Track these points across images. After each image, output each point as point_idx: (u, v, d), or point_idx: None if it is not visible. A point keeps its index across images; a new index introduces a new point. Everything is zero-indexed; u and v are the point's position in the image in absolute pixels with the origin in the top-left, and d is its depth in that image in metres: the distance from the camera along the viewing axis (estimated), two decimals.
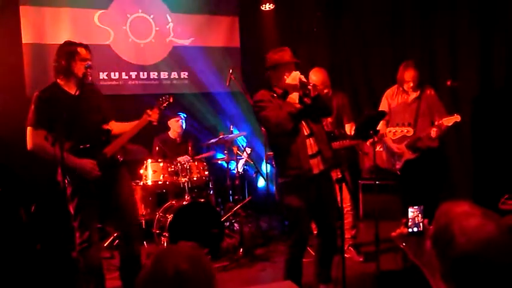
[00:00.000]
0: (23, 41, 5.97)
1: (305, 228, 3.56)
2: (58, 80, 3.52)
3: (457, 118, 4.21)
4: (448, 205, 1.35)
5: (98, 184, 3.46)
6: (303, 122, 3.45)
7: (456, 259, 1.25)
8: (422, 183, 4.42)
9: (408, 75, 4.50)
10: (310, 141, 3.47)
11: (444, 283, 1.29)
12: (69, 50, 3.50)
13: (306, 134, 3.45)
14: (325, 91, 4.52)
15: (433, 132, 4.28)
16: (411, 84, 4.51)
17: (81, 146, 3.44)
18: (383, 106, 4.73)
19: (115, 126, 3.75)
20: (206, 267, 1.35)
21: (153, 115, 3.70)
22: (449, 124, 4.23)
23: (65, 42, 3.62)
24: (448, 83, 5.10)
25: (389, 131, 4.18)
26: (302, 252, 3.57)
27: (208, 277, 1.33)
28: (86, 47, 3.56)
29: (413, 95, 4.58)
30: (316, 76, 4.56)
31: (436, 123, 4.31)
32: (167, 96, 3.86)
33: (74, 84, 3.50)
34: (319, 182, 3.49)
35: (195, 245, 1.40)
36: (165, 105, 3.85)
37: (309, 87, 3.28)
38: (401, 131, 4.11)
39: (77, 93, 3.47)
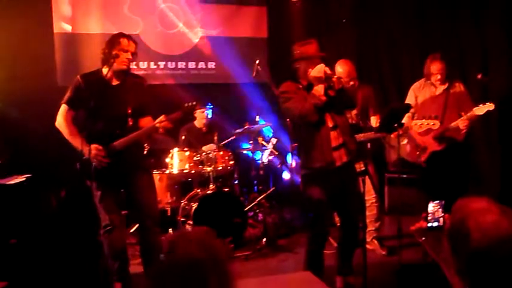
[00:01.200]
0: (55, 31, 6.10)
1: (326, 221, 3.57)
2: (103, 68, 3.61)
3: (490, 106, 4.10)
4: (465, 200, 1.35)
5: (111, 174, 3.52)
6: (327, 114, 3.44)
7: (471, 255, 1.24)
8: (447, 177, 4.35)
9: (435, 67, 4.43)
10: (334, 134, 3.46)
11: (459, 279, 1.30)
12: (112, 40, 3.59)
13: (330, 126, 3.45)
14: (351, 83, 4.48)
15: (462, 122, 4.20)
16: (438, 77, 4.43)
17: (96, 135, 3.52)
18: (410, 99, 4.67)
19: (146, 122, 3.76)
20: (218, 251, 1.35)
21: (163, 123, 3.61)
22: (481, 113, 4.13)
23: (116, 33, 3.67)
24: (479, 76, 4.99)
25: (415, 124, 4.14)
26: (323, 244, 3.58)
27: (221, 261, 1.34)
28: (129, 38, 3.63)
29: (441, 88, 4.51)
30: (342, 68, 4.53)
31: (466, 113, 4.22)
32: (194, 103, 3.84)
33: (115, 73, 3.59)
34: (342, 174, 3.49)
35: (208, 230, 1.41)
36: (188, 110, 3.84)
37: (334, 79, 3.27)
38: (427, 124, 4.06)
39: (115, 83, 3.60)
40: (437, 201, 1.67)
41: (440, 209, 1.66)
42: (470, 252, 1.25)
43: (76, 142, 3.46)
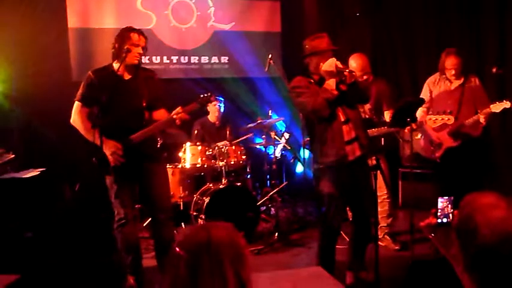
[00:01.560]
0: (69, 26, 6.15)
1: (338, 216, 3.54)
2: (114, 63, 3.62)
3: (506, 104, 4.04)
4: (473, 196, 1.33)
5: (127, 167, 3.54)
6: (339, 108, 3.42)
7: (479, 251, 1.23)
8: (462, 173, 4.30)
9: (449, 62, 4.37)
10: (346, 128, 3.44)
11: (467, 274, 1.28)
12: (122, 35, 3.60)
13: (342, 120, 3.43)
14: (365, 77, 4.45)
15: (482, 118, 4.14)
16: (453, 72, 4.38)
17: (112, 129, 3.52)
18: (424, 93, 4.62)
19: (160, 115, 3.78)
20: (237, 236, 1.37)
21: (180, 115, 3.62)
22: (498, 111, 4.07)
23: (125, 27, 3.67)
24: (494, 69, 4.91)
25: (430, 119, 4.09)
26: (334, 239, 3.56)
27: (240, 248, 1.35)
28: (140, 32, 3.62)
29: (456, 82, 4.45)
30: (355, 62, 4.49)
31: (483, 110, 4.16)
32: (209, 94, 3.85)
33: (127, 68, 3.60)
34: (355, 168, 3.47)
35: (232, 226, 1.43)
36: (204, 101, 3.86)
37: (345, 73, 3.24)
38: (442, 119, 4.02)
39: (127, 77, 3.62)
40: (447, 197, 1.65)
41: (449, 205, 1.64)
42: (478, 248, 1.24)
43: (93, 138, 3.46)
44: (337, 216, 3.54)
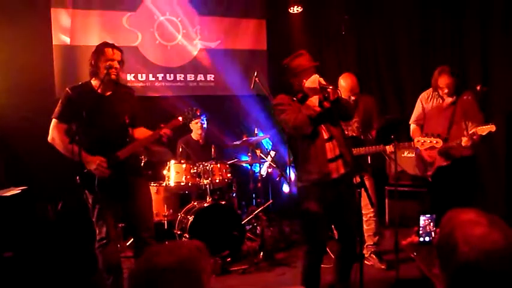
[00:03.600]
0: (54, 43, 6.12)
1: (322, 234, 3.50)
2: (92, 80, 3.59)
3: (491, 128, 4.03)
4: (454, 212, 1.30)
5: (111, 185, 3.49)
6: (322, 125, 3.40)
7: (459, 269, 1.20)
8: (452, 191, 4.29)
9: (442, 81, 4.37)
10: (330, 145, 3.41)
11: None
12: (97, 51, 3.58)
13: (325, 137, 3.40)
14: (353, 98, 4.44)
15: (465, 141, 4.14)
16: (446, 91, 4.38)
17: (96, 146, 3.48)
18: (417, 109, 4.62)
19: (140, 133, 3.77)
20: (190, 261, 1.34)
21: (164, 130, 3.66)
22: (483, 133, 4.07)
23: (100, 43, 3.66)
24: (478, 87, 4.95)
25: (418, 141, 4.10)
26: (319, 258, 3.51)
27: (194, 274, 1.33)
28: (113, 46, 3.59)
29: (449, 100, 4.45)
30: (345, 82, 4.50)
31: (469, 131, 4.17)
32: (194, 109, 3.86)
33: (105, 84, 3.55)
34: (339, 186, 3.43)
35: (195, 244, 1.41)
36: (189, 117, 3.86)
37: (329, 90, 3.23)
38: (430, 142, 4.03)
39: (106, 93, 3.58)
40: (429, 215, 1.62)
41: (431, 223, 1.62)
42: (458, 266, 1.20)
43: (72, 155, 3.38)
44: (322, 234, 3.49)
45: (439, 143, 3.99)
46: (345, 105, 3.40)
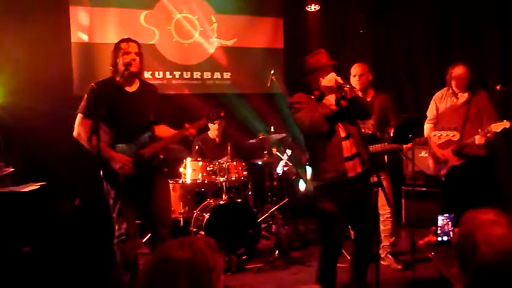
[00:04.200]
0: (72, 40, 6.17)
1: (338, 234, 3.47)
2: (116, 77, 3.58)
3: (506, 124, 4.00)
4: (474, 213, 1.28)
5: (134, 182, 3.51)
6: (339, 124, 3.38)
7: (478, 269, 1.18)
8: (467, 191, 4.24)
9: (457, 71, 4.34)
10: (347, 143, 3.39)
11: None
12: (114, 49, 3.61)
13: (342, 136, 3.39)
14: (357, 81, 4.41)
15: (478, 138, 4.10)
16: (458, 83, 4.34)
17: (120, 142, 3.51)
18: (431, 109, 4.58)
19: (162, 130, 3.80)
20: (202, 256, 1.35)
21: (190, 130, 3.72)
22: (498, 130, 4.03)
23: (117, 41, 3.68)
24: (498, 87, 4.89)
25: (434, 135, 4.06)
26: (335, 257, 3.49)
27: (202, 271, 1.33)
28: (128, 40, 3.61)
29: (463, 98, 4.40)
30: (356, 70, 4.49)
31: (483, 129, 4.12)
32: (218, 111, 3.89)
33: (127, 79, 3.58)
34: (356, 185, 3.41)
35: (208, 240, 1.41)
36: (214, 118, 3.90)
37: (346, 88, 3.21)
38: (447, 135, 3.98)
39: (131, 90, 3.61)
40: (447, 215, 1.61)
41: (450, 223, 1.60)
42: (478, 266, 1.19)
43: (97, 151, 3.32)
44: (338, 234, 3.47)
45: (456, 136, 3.94)
46: (362, 104, 3.38)
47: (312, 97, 3.46)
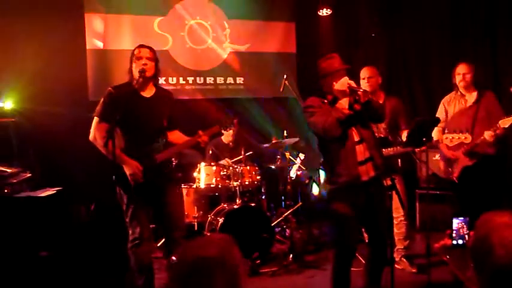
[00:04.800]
0: (87, 47, 6.26)
1: (352, 237, 3.47)
2: (132, 81, 3.61)
3: None
4: (489, 215, 1.29)
5: (145, 188, 3.54)
6: (353, 128, 3.39)
7: (494, 272, 1.19)
8: (480, 192, 4.22)
9: (460, 68, 4.37)
10: (360, 148, 3.39)
11: None
12: (131, 53, 3.65)
13: (355, 140, 3.39)
14: (367, 84, 4.42)
15: (488, 134, 4.08)
16: (462, 79, 4.34)
17: (134, 147, 3.54)
18: (440, 113, 4.58)
19: (175, 136, 3.83)
20: (230, 255, 1.37)
21: (203, 137, 3.76)
22: (506, 126, 4.01)
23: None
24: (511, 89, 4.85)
25: (446, 138, 4.05)
26: (349, 261, 3.49)
27: (231, 265, 1.35)
28: (140, 46, 3.65)
29: (471, 99, 4.40)
30: (365, 72, 4.49)
31: (492, 126, 4.11)
32: (231, 118, 3.93)
33: (146, 85, 3.62)
34: (369, 189, 3.41)
35: (226, 236, 1.43)
36: (227, 126, 3.95)
37: (359, 92, 3.22)
38: (459, 138, 3.97)
39: (147, 95, 3.64)
40: (462, 218, 1.61)
41: (465, 226, 1.60)
42: (494, 269, 1.19)
43: (111, 155, 3.32)
44: (352, 237, 3.47)
45: (467, 138, 3.93)
46: (376, 107, 3.38)
47: (325, 101, 3.47)
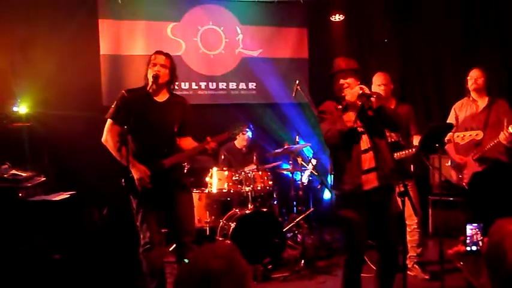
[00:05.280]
0: (101, 52, 6.33)
1: (359, 242, 3.45)
2: (147, 86, 3.63)
3: None
4: (503, 221, 1.28)
5: (153, 193, 3.55)
6: (363, 136, 3.38)
7: (508, 278, 1.18)
8: (492, 198, 4.18)
9: (473, 73, 4.34)
10: (366, 156, 3.37)
11: None
12: (148, 58, 3.69)
13: (363, 148, 3.37)
14: (382, 88, 4.41)
15: (503, 136, 4.04)
16: (475, 82, 4.31)
17: (143, 151, 3.56)
18: (451, 117, 4.55)
19: (187, 143, 3.83)
20: (237, 266, 1.36)
21: (211, 143, 3.75)
22: None
23: None
24: None
25: (457, 136, 4.00)
26: (358, 266, 3.47)
27: (239, 276, 1.35)
28: (157, 52, 3.68)
29: (483, 104, 4.37)
30: (379, 79, 4.48)
31: (506, 130, 4.06)
32: (241, 126, 3.94)
33: (159, 91, 3.66)
34: (373, 198, 3.38)
35: (230, 245, 1.43)
36: (236, 134, 3.94)
37: (372, 99, 3.21)
38: (470, 135, 3.93)
39: (160, 100, 3.66)
40: (476, 224, 1.60)
41: (479, 232, 1.59)
42: (507, 275, 1.19)
43: (122, 159, 3.39)
44: (359, 242, 3.44)
45: (479, 134, 3.89)
46: (389, 114, 3.36)
47: (339, 107, 3.47)
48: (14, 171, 4.57)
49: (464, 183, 4.40)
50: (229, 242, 1.47)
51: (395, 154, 4.14)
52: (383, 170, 3.35)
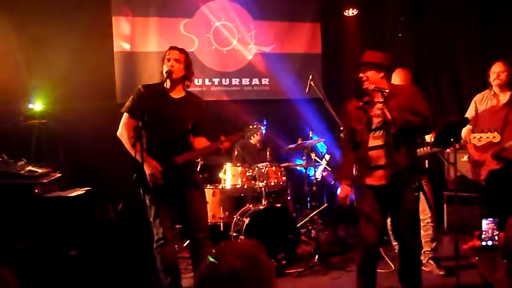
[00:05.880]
0: (115, 50, 6.37)
1: (369, 234, 3.43)
2: (164, 82, 3.65)
3: None
4: None
5: (164, 190, 3.56)
6: (379, 132, 3.37)
7: None
8: (508, 195, 4.13)
9: (495, 68, 4.26)
10: (374, 153, 3.37)
11: None
12: (164, 54, 3.69)
13: (372, 145, 3.38)
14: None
15: None
16: (498, 77, 4.24)
17: (156, 146, 3.56)
18: (470, 110, 4.49)
19: (200, 142, 3.79)
20: (262, 267, 1.34)
21: (224, 143, 3.69)
22: None
23: None
24: None
25: (474, 137, 3.96)
26: (371, 259, 3.46)
27: (264, 277, 1.33)
28: (171, 48, 3.68)
29: (504, 99, 4.30)
30: (398, 76, 4.45)
31: None
32: (255, 126, 3.93)
33: (176, 88, 3.66)
34: (386, 194, 3.37)
35: (255, 243, 1.41)
36: (250, 134, 3.95)
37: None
38: (487, 137, 3.88)
39: (176, 97, 3.66)
40: (492, 219, 1.58)
41: (495, 227, 1.57)
42: None
43: (137, 154, 3.38)
44: (369, 234, 3.42)
45: (496, 137, 3.84)
46: (412, 127, 3.33)
47: (361, 104, 3.47)
48: (30, 168, 4.60)
49: (481, 180, 4.35)
50: (254, 240, 1.41)
51: (418, 150, 4.11)
52: (392, 169, 3.31)
